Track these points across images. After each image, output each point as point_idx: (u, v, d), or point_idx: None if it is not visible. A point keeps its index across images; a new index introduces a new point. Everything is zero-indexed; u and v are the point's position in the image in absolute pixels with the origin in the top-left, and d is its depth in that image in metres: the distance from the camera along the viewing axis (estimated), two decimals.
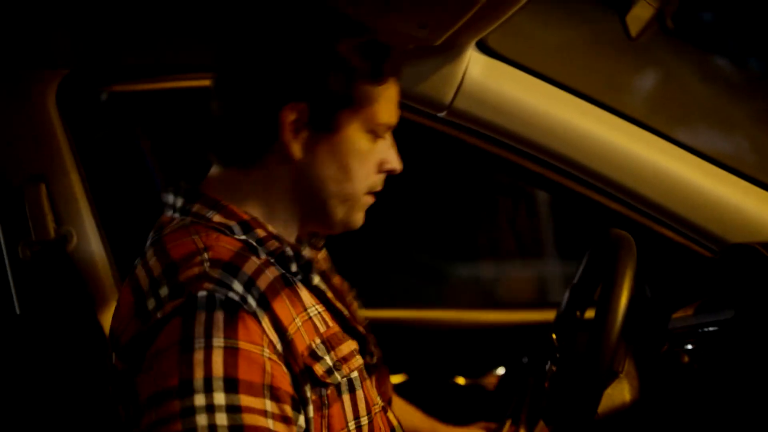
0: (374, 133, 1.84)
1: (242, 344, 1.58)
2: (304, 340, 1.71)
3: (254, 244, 1.76)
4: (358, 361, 1.82)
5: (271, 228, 1.80)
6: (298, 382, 1.67)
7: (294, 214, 1.85)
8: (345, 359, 1.78)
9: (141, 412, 1.56)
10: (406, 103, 2.35)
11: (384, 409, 1.92)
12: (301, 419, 1.66)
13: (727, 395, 2.02)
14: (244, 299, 1.63)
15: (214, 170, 1.87)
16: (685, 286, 2.33)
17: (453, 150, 2.67)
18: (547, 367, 2.17)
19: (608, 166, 2.39)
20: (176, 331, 1.57)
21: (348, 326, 1.87)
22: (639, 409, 1.99)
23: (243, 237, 1.76)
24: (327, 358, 1.73)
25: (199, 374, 1.53)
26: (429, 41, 2.17)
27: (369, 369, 1.90)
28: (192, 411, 1.51)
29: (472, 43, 2.30)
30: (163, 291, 1.63)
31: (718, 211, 2.39)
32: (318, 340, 1.73)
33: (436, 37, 2.14)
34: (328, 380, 1.72)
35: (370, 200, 1.90)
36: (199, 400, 1.52)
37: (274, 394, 1.60)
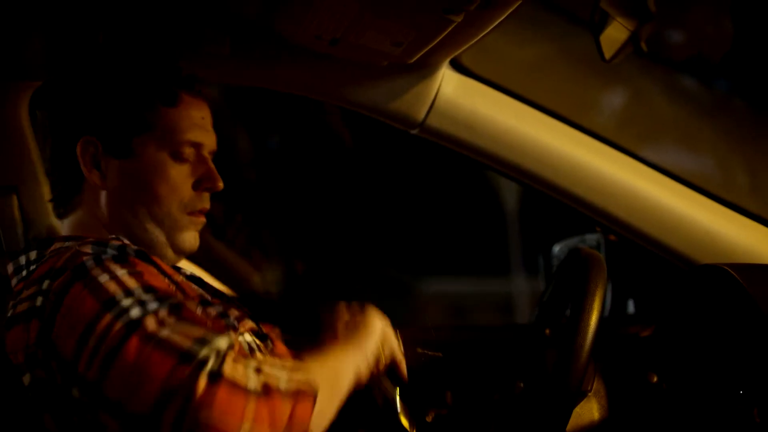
0: (177, 154, 1.87)
1: (141, 267, 1.67)
2: (193, 289, 1.80)
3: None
4: (249, 324, 1.86)
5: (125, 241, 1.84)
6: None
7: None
8: (237, 318, 1.83)
9: (73, 361, 1.59)
10: (378, 119, 2.36)
11: None
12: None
13: (695, 415, 2.03)
14: (123, 252, 1.72)
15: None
16: (667, 303, 2.34)
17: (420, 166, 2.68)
18: (516, 384, 2.17)
19: (578, 184, 2.39)
20: (79, 291, 1.61)
21: (231, 300, 1.93)
22: (607, 427, 2.00)
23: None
24: (214, 307, 1.79)
25: (117, 291, 1.59)
26: (403, 59, 2.17)
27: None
28: (124, 311, 1.56)
29: (446, 62, 2.31)
30: (45, 284, 1.67)
31: (687, 231, 2.41)
32: (208, 296, 1.82)
33: (409, 55, 2.15)
34: (224, 322, 1.77)
35: (196, 220, 1.92)
36: (126, 301, 1.57)
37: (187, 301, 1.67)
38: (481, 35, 2.07)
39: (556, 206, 2.50)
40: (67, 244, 1.80)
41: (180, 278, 1.80)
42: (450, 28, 1.94)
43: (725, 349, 2.05)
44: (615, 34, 1.71)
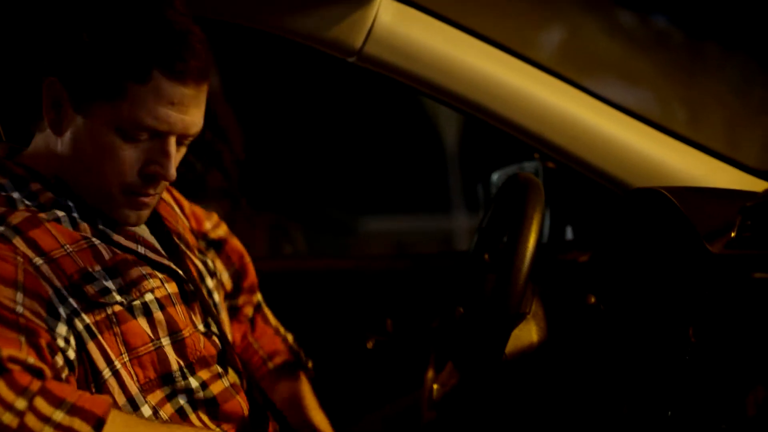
0: (129, 135, 1.76)
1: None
2: (75, 264, 1.74)
3: (16, 198, 1.77)
4: (152, 284, 1.83)
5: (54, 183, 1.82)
6: (62, 297, 1.70)
7: (74, 186, 1.85)
8: (134, 282, 1.80)
9: None
10: (314, 47, 2.35)
11: (207, 335, 1.93)
12: (63, 329, 1.69)
13: (632, 335, 2.06)
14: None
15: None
16: (604, 227, 2.37)
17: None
18: (455, 310, 2.19)
19: (517, 111, 2.40)
20: None
21: (148, 259, 1.88)
22: (546, 349, 2.02)
23: (15, 195, 1.78)
24: (105, 281, 1.76)
25: None
26: None
27: (186, 296, 1.92)
28: None
29: None
30: None
31: (622, 155, 2.43)
32: (97, 267, 1.77)
33: None
34: (103, 300, 1.74)
35: (137, 200, 1.84)
36: None
37: (27, 290, 1.64)
38: None
39: (495, 138, 2.51)
40: None
41: (62, 251, 1.75)
42: None
43: (661, 270, 2.07)
44: None
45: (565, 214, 2.74)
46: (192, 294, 1.94)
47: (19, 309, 1.61)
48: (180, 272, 1.92)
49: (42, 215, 1.76)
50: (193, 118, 1.79)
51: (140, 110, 1.73)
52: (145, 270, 1.84)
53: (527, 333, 2.02)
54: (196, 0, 1.86)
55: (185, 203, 2.22)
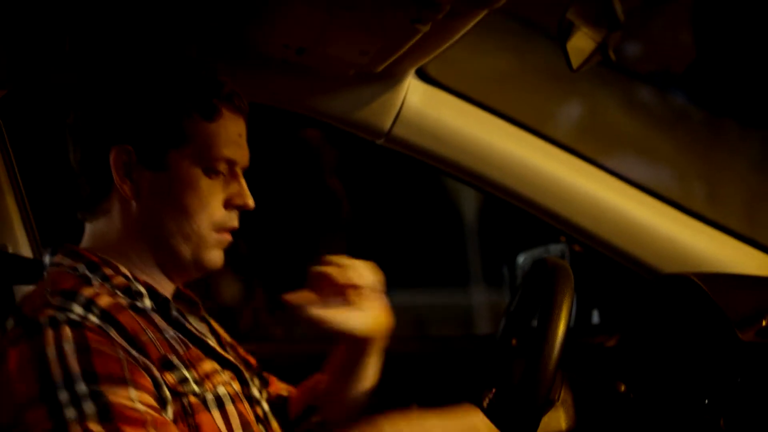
0: (212, 170, 1.83)
1: (94, 345, 1.61)
2: (157, 350, 1.73)
3: (94, 280, 1.77)
4: (223, 378, 1.83)
5: (124, 270, 1.81)
6: (156, 384, 1.68)
7: (147, 257, 1.85)
8: (207, 375, 1.80)
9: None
10: (343, 128, 2.36)
11: None
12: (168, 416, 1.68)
13: (662, 424, 2.04)
14: (84, 318, 1.65)
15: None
16: (631, 312, 2.35)
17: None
18: (483, 395, 2.17)
19: (544, 194, 2.41)
20: (26, 351, 1.59)
21: (216, 354, 1.88)
22: None
23: (88, 274, 1.78)
24: (183, 370, 1.75)
25: (58, 376, 1.55)
26: (369, 68, 2.18)
27: (250, 400, 1.92)
28: (59, 407, 1.53)
29: (412, 71, 2.31)
30: (9, 323, 1.67)
31: (649, 239, 2.42)
32: (174, 357, 1.75)
33: (376, 65, 2.15)
34: (182, 389, 1.72)
35: (223, 237, 1.88)
36: (63, 395, 1.53)
37: (136, 384, 1.62)
38: (448, 45, 2.08)
39: (516, 217, 2.51)
40: (63, 262, 1.80)
41: (147, 337, 1.73)
42: (417, 38, 1.94)
43: (691, 358, 2.06)
44: (582, 43, 1.72)
45: (592, 298, 2.73)
46: (250, 394, 1.94)
47: (140, 407, 1.59)
48: (244, 372, 1.93)
49: (120, 300, 1.76)
50: (247, 152, 1.90)
51: (215, 144, 1.82)
52: (215, 365, 1.85)
53: (556, 420, 2.00)
54: (236, 83, 1.88)
55: None
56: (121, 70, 1.86)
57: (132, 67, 1.85)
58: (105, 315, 1.69)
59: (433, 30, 1.89)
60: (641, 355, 2.23)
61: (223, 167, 1.84)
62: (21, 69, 2.16)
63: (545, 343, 1.84)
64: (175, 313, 1.84)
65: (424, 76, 2.39)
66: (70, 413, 1.52)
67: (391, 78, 2.30)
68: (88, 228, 1.88)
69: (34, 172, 2.73)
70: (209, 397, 1.77)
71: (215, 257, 1.88)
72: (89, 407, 1.53)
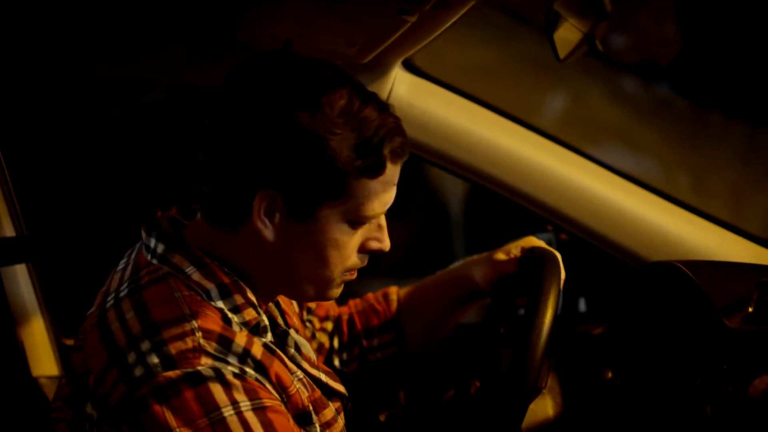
0: (358, 224, 1.75)
1: (267, 402, 1.60)
2: (301, 400, 1.73)
3: (229, 314, 1.69)
4: (340, 425, 1.85)
5: (249, 294, 1.74)
6: None
7: (268, 285, 1.78)
8: (328, 424, 1.81)
9: None
10: None
11: None
12: None
13: (649, 411, 2.05)
14: (243, 371, 1.62)
15: (199, 219, 1.80)
16: (618, 300, 2.37)
17: None
18: (471, 383, 2.18)
19: (530, 183, 2.42)
20: (193, 404, 1.55)
21: (328, 389, 1.87)
22: (562, 423, 2.02)
23: (220, 304, 1.69)
24: (314, 425, 1.76)
25: None
26: (356, 59, 2.18)
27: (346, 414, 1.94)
28: None
29: (399, 62, 2.33)
30: (152, 359, 1.58)
31: (635, 227, 2.44)
32: (309, 405, 1.75)
33: (363, 56, 2.16)
34: None
35: (349, 277, 1.82)
36: None
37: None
38: (434, 36, 2.08)
39: (502, 207, 2.52)
40: (187, 270, 1.71)
41: (295, 387, 1.73)
42: (404, 29, 1.94)
43: (678, 345, 2.07)
44: (569, 33, 1.72)
45: (578, 286, 2.74)
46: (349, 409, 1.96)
47: None
48: (346, 395, 1.93)
49: (258, 340, 1.71)
50: (395, 194, 1.80)
51: (372, 201, 1.72)
52: (332, 405, 1.85)
53: (543, 408, 2.01)
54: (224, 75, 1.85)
55: None
56: (288, 122, 1.66)
57: (301, 119, 1.66)
58: (259, 368, 1.66)
59: (420, 21, 1.89)
60: (628, 343, 2.25)
61: (369, 220, 1.77)
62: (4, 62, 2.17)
63: (532, 331, 1.84)
64: (293, 350, 1.80)
65: (410, 67, 2.40)
66: None
67: (378, 69, 2.30)
68: (208, 229, 1.77)
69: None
70: None
71: (336, 294, 1.83)
72: None
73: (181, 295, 1.67)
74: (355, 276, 1.83)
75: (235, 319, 1.69)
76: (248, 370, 1.63)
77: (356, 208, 1.71)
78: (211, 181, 1.70)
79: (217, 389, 1.56)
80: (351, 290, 1.99)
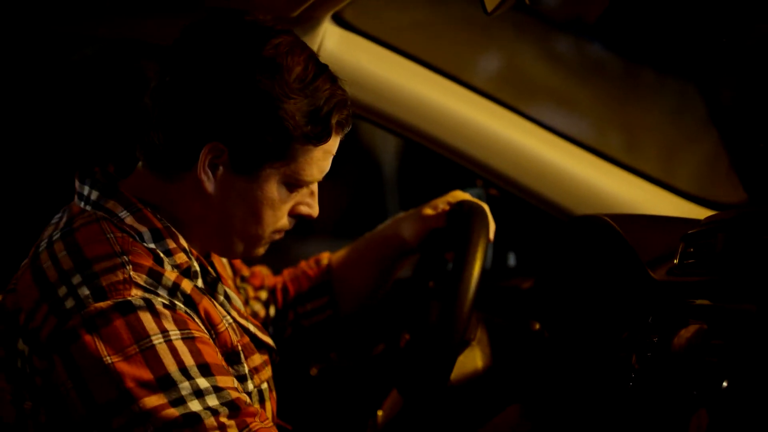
0: (297, 187, 1.83)
1: (196, 333, 1.65)
2: (230, 340, 1.77)
3: (162, 255, 1.73)
4: (267, 373, 1.89)
5: (181, 240, 1.79)
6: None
7: (200, 235, 1.84)
8: (257, 369, 1.85)
9: (103, 411, 1.58)
10: None
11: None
12: None
13: (576, 362, 2.08)
14: (173, 303, 1.67)
15: (139, 168, 1.84)
16: (547, 253, 2.39)
17: None
18: (400, 336, 2.19)
19: (461, 138, 2.43)
20: (123, 331, 1.59)
21: (257, 340, 1.91)
22: (491, 375, 2.03)
23: (152, 246, 1.74)
24: (244, 365, 1.79)
25: (172, 366, 1.58)
26: (285, 12, 2.16)
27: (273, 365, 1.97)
28: (182, 399, 1.57)
29: (328, 16, 2.31)
30: (83, 291, 1.62)
31: (564, 182, 2.46)
32: (239, 346, 1.79)
33: (292, 9, 2.14)
34: (243, 385, 1.77)
35: (276, 237, 1.89)
36: (185, 388, 1.58)
37: (230, 371, 1.71)
38: None
39: (433, 161, 2.53)
40: (120, 214, 1.75)
41: (224, 325, 1.77)
42: None
43: (605, 297, 2.10)
44: None
45: (508, 241, 2.76)
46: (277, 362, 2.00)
47: (245, 395, 1.67)
48: (274, 347, 1.98)
49: (187, 281, 1.74)
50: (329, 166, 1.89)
51: (312, 167, 1.81)
52: (260, 354, 1.89)
53: (472, 360, 2.03)
54: (144, 25, 1.84)
55: None
56: (243, 81, 1.73)
57: (255, 80, 1.73)
58: (189, 302, 1.71)
59: None
60: (556, 295, 2.27)
61: (305, 185, 1.84)
62: None
63: (460, 283, 1.86)
64: (222, 297, 1.85)
65: (341, 21, 2.39)
66: (195, 406, 1.57)
67: (307, 23, 2.28)
68: (148, 177, 1.82)
69: None
70: (254, 392, 1.83)
71: (260, 252, 1.91)
72: (212, 400, 1.59)
73: (113, 236, 1.72)
74: (281, 237, 1.90)
75: (166, 260, 1.74)
76: (177, 303, 1.68)
77: (296, 172, 1.79)
78: (161, 130, 1.75)
79: (146, 318, 1.61)
80: (288, 251, 2.01)
